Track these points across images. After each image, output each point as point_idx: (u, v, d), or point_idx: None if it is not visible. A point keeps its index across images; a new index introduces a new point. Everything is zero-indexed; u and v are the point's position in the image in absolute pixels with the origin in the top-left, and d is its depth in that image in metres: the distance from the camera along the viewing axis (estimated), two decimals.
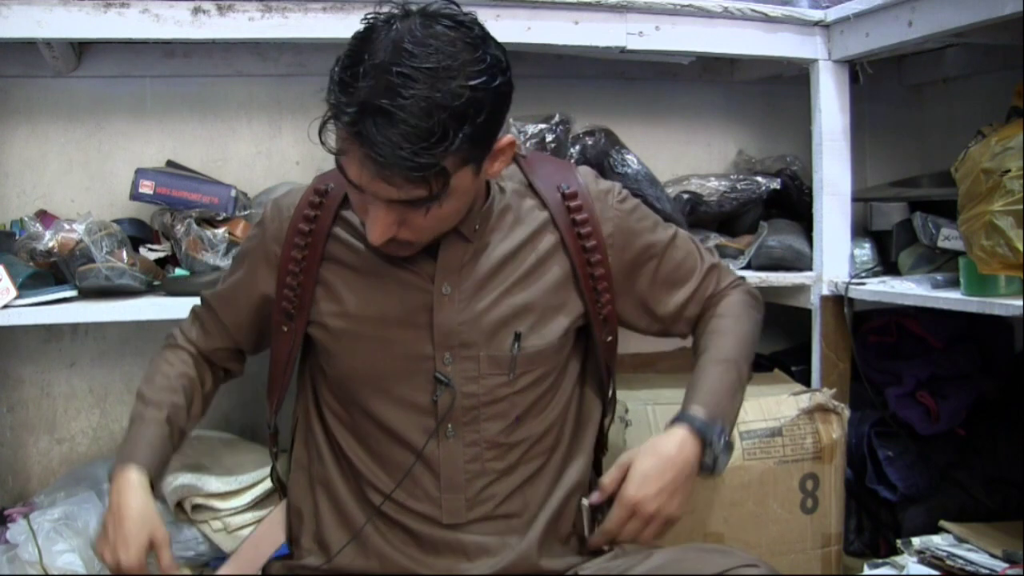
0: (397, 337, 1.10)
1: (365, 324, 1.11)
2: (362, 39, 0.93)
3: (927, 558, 1.48)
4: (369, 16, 0.95)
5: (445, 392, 1.09)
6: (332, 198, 1.14)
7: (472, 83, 0.91)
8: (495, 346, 1.11)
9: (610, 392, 1.24)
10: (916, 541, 1.52)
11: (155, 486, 1.12)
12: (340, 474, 1.17)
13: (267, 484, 1.56)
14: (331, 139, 0.97)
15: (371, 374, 1.12)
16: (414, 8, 0.95)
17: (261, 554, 1.21)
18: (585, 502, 1.12)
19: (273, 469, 1.31)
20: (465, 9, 0.99)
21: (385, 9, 0.95)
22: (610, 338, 1.19)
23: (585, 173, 1.21)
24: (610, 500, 1.09)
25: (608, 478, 1.09)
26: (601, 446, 1.26)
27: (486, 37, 0.96)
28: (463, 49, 0.92)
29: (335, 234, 1.14)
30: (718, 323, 1.22)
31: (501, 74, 0.96)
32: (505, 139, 1.01)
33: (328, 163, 1.76)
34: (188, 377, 1.22)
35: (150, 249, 1.69)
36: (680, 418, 1.11)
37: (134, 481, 1.08)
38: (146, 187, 1.65)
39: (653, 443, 1.09)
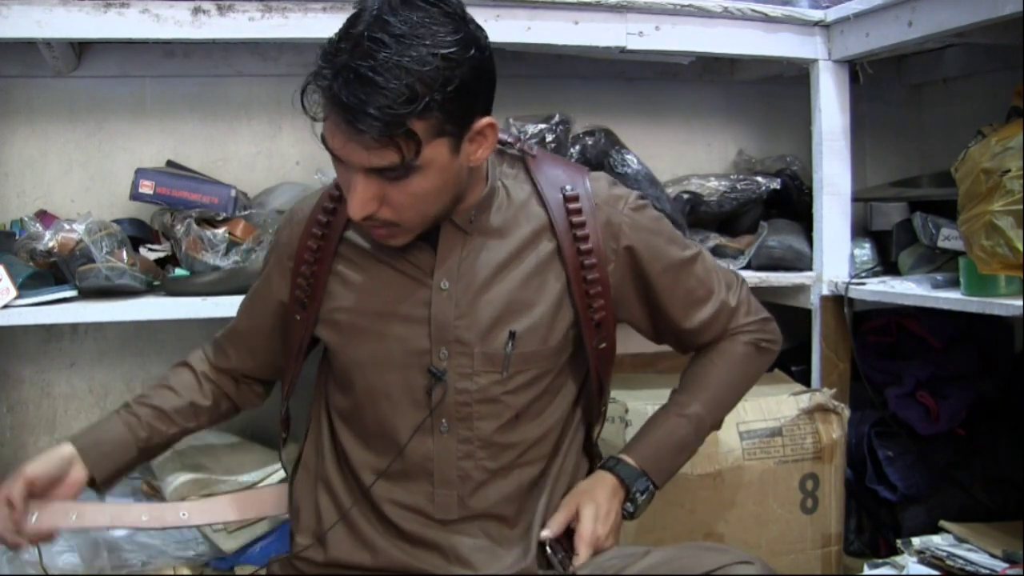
0: (396, 332, 1.11)
1: (366, 318, 1.12)
2: (351, 19, 0.98)
3: (927, 558, 1.48)
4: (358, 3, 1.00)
5: (438, 386, 1.10)
6: None
7: (442, 51, 0.95)
8: (489, 343, 1.11)
9: (602, 403, 1.23)
10: (916, 541, 1.52)
11: (97, 477, 1.16)
12: (339, 471, 1.18)
13: (267, 484, 1.56)
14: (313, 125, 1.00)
15: (371, 368, 1.12)
16: None
17: (260, 504, 1.27)
18: (546, 533, 1.14)
19: (282, 452, 1.32)
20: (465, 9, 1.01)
21: None
22: (603, 345, 1.17)
23: (597, 178, 1.19)
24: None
25: (559, 520, 1.15)
26: (592, 456, 1.26)
27: (464, 15, 1.00)
28: (437, 21, 0.96)
29: (349, 229, 1.16)
30: (708, 367, 1.25)
31: (476, 49, 0.98)
32: (484, 120, 1.02)
33: (328, 163, 1.77)
34: (178, 386, 1.25)
35: (150, 249, 1.69)
36: (612, 464, 1.19)
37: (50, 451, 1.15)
38: (146, 187, 1.65)
39: (592, 487, 1.18)
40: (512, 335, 1.11)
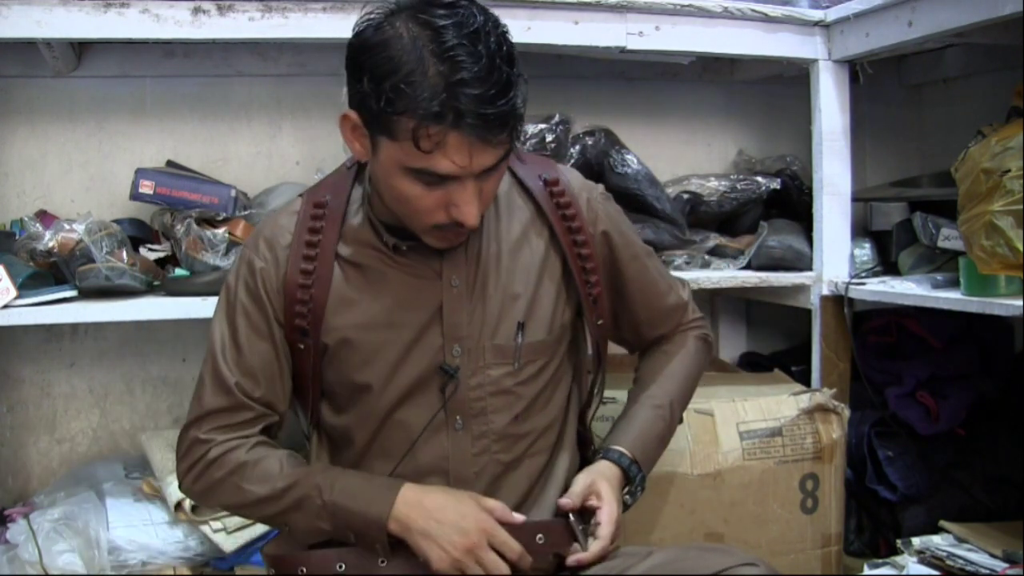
0: (408, 335, 1.11)
1: (376, 328, 1.11)
2: (381, 45, 0.95)
3: (927, 558, 1.48)
4: (360, 27, 0.98)
5: (451, 383, 1.11)
6: (333, 209, 1.13)
7: (498, 31, 0.97)
8: (500, 336, 1.12)
9: (598, 385, 1.25)
10: (916, 541, 1.52)
11: None
12: None
13: None
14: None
15: (384, 377, 1.11)
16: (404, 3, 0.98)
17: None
18: (567, 502, 1.12)
19: None
20: None
21: (369, 13, 0.98)
22: (600, 321, 1.20)
23: (568, 169, 1.24)
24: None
25: (579, 492, 1.12)
26: (586, 442, 1.26)
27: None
28: (471, 8, 0.97)
29: (342, 244, 1.13)
30: (666, 360, 1.26)
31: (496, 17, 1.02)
32: None
33: (328, 163, 1.77)
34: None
35: (150, 249, 1.69)
36: (613, 455, 1.16)
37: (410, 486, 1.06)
38: (146, 187, 1.65)
39: (605, 472, 1.15)
40: (521, 325, 1.12)
